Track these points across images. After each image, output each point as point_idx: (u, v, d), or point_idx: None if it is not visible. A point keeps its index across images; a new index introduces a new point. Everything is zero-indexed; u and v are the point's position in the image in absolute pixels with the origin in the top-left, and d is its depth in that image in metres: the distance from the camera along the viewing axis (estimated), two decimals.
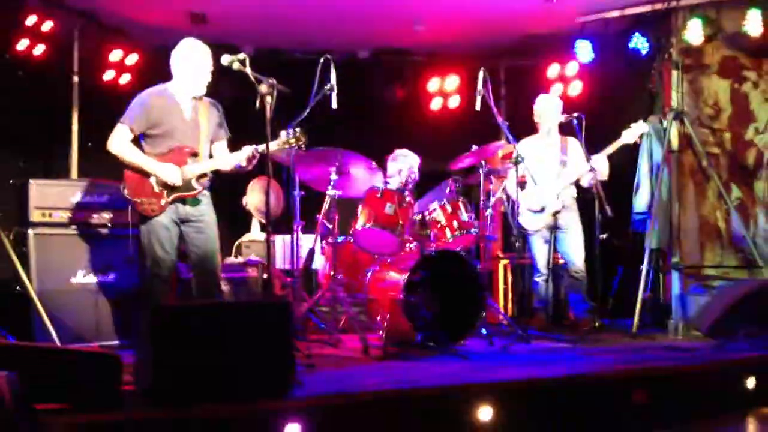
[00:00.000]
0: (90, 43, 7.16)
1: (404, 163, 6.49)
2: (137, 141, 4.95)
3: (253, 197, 7.07)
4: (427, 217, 5.94)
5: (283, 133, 4.87)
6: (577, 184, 6.39)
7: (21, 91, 6.82)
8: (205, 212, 5.01)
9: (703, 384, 4.75)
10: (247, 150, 4.91)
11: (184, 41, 5.02)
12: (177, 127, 4.94)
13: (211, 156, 5.07)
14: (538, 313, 6.46)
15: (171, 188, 4.87)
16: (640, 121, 6.27)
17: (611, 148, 6.17)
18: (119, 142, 4.88)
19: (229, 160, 5.01)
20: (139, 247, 5.01)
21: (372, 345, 5.42)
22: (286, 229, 6.30)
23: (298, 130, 4.88)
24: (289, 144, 4.86)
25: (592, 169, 6.06)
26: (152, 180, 4.86)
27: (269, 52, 7.89)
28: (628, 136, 6.19)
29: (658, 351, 5.57)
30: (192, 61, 4.96)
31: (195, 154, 4.95)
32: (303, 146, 4.91)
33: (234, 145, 5.11)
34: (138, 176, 4.87)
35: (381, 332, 5.41)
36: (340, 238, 6.06)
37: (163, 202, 4.86)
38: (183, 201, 4.91)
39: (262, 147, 4.81)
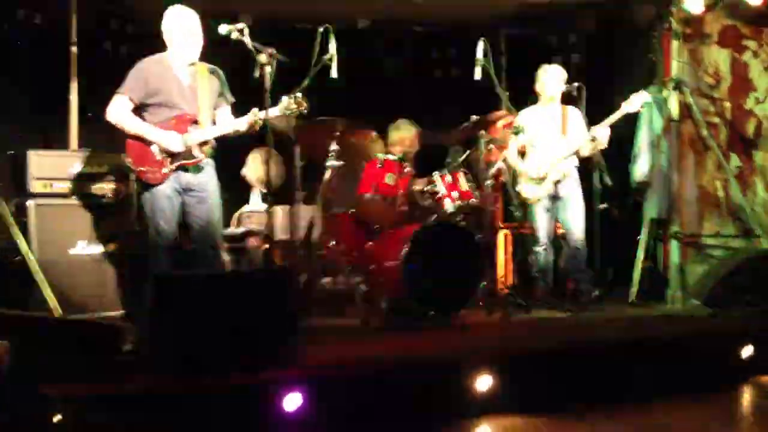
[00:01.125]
0: (88, 12, 7.10)
1: (406, 133, 6.47)
2: (138, 112, 4.93)
3: (254, 167, 7.04)
4: (428, 187, 5.93)
5: (284, 98, 4.87)
6: (577, 153, 6.38)
7: (19, 62, 6.78)
8: (208, 182, 5.01)
9: (700, 353, 4.78)
10: (248, 116, 4.91)
11: (169, 10, 5.00)
12: (175, 95, 4.93)
13: (214, 123, 5.07)
14: (538, 282, 6.48)
15: (173, 156, 4.87)
16: (642, 91, 6.24)
17: (613, 118, 6.14)
18: (118, 112, 4.88)
19: (229, 125, 5.00)
20: (141, 216, 5.02)
21: (372, 315, 5.45)
22: (286, 200, 6.30)
23: (299, 95, 4.88)
24: (291, 109, 4.85)
25: (593, 139, 6.06)
26: (154, 148, 4.85)
27: (268, 22, 7.83)
28: (629, 105, 6.17)
29: (656, 320, 5.60)
30: (181, 29, 4.95)
31: (195, 122, 4.94)
32: (305, 111, 4.90)
33: (235, 114, 5.10)
34: (140, 145, 4.87)
35: (381, 302, 5.44)
36: (341, 209, 6.06)
37: (165, 170, 4.86)
38: (185, 169, 4.91)
39: (260, 113, 4.81)
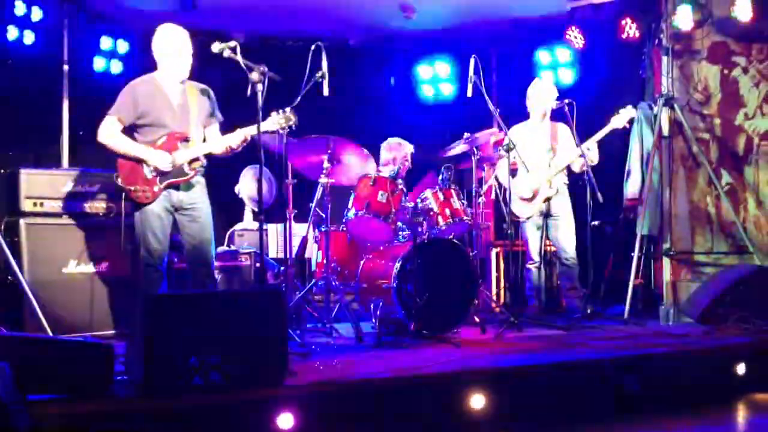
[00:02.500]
0: (80, 31, 7.12)
1: (398, 152, 6.49)
2: (129, 132, 4.94)
3: (246, 185, 7.05)
4: (420, 205, 5.93)
5: (273, 114, 4.88)
6: (568, 170, 6.40)
7: (10, 80, 6.78)
8: (199, 200, 5.01)
9: (693, 370, 4.78)
10: (238, 133, 4.92)
11: (159, 28, 5.04)
12: (166, 114, 4.95)
13: (204, 141, 5.07)
14: (531, 300, 6.48)
15: (163, 174, 4.87)
16: (629, 106, 6.29)
17: (601, 134, 6.21)
18: (109, 133, 4.89)
19: (220, 143, 5.01)
20: (133, 235, 5.01)
21: (365, 333, 5.43)
22: (278, 218, 6.29)
23: (288, 109, 4.89)
24: (280, 124, 4.86)
25: (583, 155, 6.08)
26: (144, 167, 4.86)
27: (260, 39, 7.86)
28: (617, 121, 6.23)
29: (649, 337, 5.59)
30: (170, 47, 4.98)
31: (186, 140, 4.95)
32: (294, 126, 4.91)
33: (225, 131, 5.10)
34: (130, 164, 4.88)
35: (374, 320, 5.42)
36: (333, 227, 6.05)
37: (156, 188, 4.87)
38: (176, 187, 4.91)
39: (252, 129, 4.81)
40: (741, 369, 4.85)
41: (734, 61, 6.99)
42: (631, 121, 6.44)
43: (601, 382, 4.47)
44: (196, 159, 4.97)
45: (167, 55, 4.98)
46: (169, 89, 5.00)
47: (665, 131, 6.79)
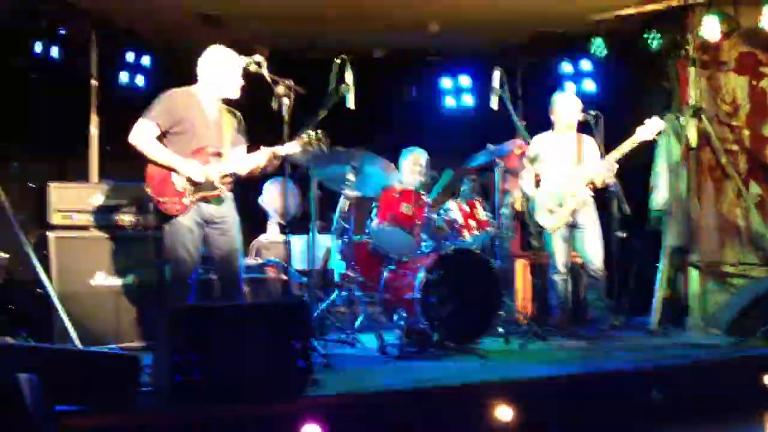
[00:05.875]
0: (106, 45, 7.21)
1: (422, 162, 6.50)
2: (160, 140, 4.90)
3: (271, 198, 7.08)
4: (444, 216, 5.93)
5: (304, 135, 4.87)
6: (591, 182, 6.36)
7: (39, 95, 6.87)
8: (228, 213, 5.01)
9: (720, 382, 4.73)
10: (267, 152, 4.93)
11: (212, 48, 5.03)
12: (200, 126, 4.94)
13: None
14: (556, 311, 6.44)
15: (194, 187, 4.88)
16: (655, 118, 6.20)
17: (627, 146, 6.09)
18: (142, 135, 4.83)
19: (250, 161, 5.02)
20: (161, 248, 5.03)
21: (389, 344, 5.43)
22: (303, 230, 6.31)
23: (320, 131, 4.89)
24: (311, 145, 4.86)
25: (608, 168, 6.04)
26: (175, 178, 4.85)
27: (284, 53, 7.91)
28: (644, 132, 6.11)
29: (676, 349, 5.55)
30: (222, 68, 4.97)
31: (218, 154, 4.96)
32: (325, 149, 4.91)
33: (252, 147, 5.13)
34: (161, 175, 4.84)
35: (397, 331, 5.42)
36: (357, 238, 6.06)
37: (186, 200, 4.84)
38: (206, 201, 4.93)
39: (281, 149, 4.83)
40: None
41: (762, 72, 6.93)
42: (657, 133, 6.37)
43: (628, 393, 4.43)
44: (227, 175, 4.99)
45: (214, 74, 4.97)
46: (206, 103, 5.01)
47: (693, 142, 6.75)
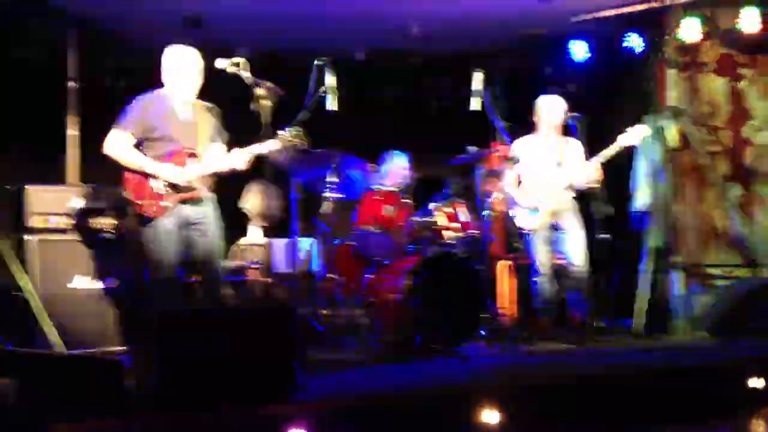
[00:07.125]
0: (86, 47, 7.14)
1: (403, 164, 6.48)
2: (137, 147, 4.91)
3: (252, 200, 7.03)
4: (426, 219, 5.91)
5: (283, 132, 4.85)
6: (572, 186, 6.35)
7: (16, 97, 6.79)
8: (208, 215, 4.97)
9: (707, 384, 4.73)
10: (246, 150, 4.90)
11: (169, 49, 5.00)
12: (173, 129, 4.92)
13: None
14: (540, 314, 6.43)
15: (172, 189, 4.84)
16: (639, 125, 6.13)
17: (610, 152, 6.05)
18: (115, 145, 4.84)
19: (228, 160, 4.98)
20: (141, 250, 4.97)
21: (372, 348, 5.40)
22: (283, 232, 6.27)
23: (299, 129, 4.87)
24: (291, 142, 4.84)
25: (591, 171, 6.04)
26: (153, 181, 4.82)
27: (265, 55, 7.86)
28: (628, 138, 6.07)
29: (659, 351, 5.56)
30: (179, 69, 4.95)
31: (194, 155, 4.93)
32: (304, 146, 4.89)
33: (232, 147, 5.09)
34: (138, 178, 4.83)
35: (381, 335, 5.39)
36: (339, 240, 6.03)
37: (164, 203, 4.82)
38: (185, 202, 4.89)
39: (259, 147, 4.79)
40: (755, 382, 4.80)
41: (741, 74, 6.98)
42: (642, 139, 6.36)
43: (613, 396, 4.43)
44: (205, 175, 4.95)
45: (177, 75, 4.96)
46: (177, 105, 4.98)
47: (673, 144, 6.77)
